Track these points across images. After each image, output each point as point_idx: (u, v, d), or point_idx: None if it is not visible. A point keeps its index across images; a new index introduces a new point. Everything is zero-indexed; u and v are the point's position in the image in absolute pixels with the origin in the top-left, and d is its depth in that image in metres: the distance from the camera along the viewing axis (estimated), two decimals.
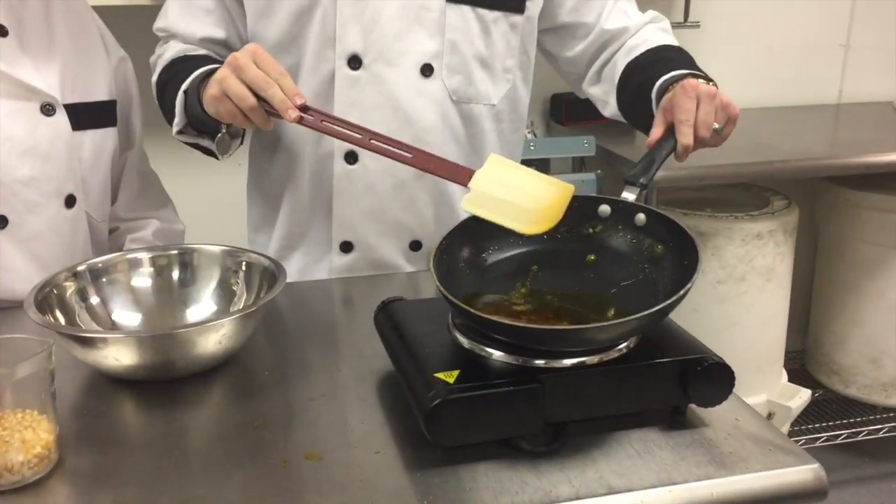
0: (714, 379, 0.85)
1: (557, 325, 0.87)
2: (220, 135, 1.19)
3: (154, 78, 1.30)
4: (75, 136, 1.22)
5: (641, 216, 0.99)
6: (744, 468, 0.80)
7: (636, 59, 1.28)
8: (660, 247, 0.97)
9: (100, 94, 1.26)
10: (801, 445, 2.28)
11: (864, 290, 2.35)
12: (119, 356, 0.91)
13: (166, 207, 1.42)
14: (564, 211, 0.97)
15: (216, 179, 2.06)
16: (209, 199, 2.07)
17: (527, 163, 2.23)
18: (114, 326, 1.04)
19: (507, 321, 0.84)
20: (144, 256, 1.10)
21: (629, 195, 1.03)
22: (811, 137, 2.32)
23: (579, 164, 2.28)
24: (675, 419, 0.88)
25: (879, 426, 2.38)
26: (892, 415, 2.44)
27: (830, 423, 2.42)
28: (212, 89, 1.06)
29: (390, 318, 0.97)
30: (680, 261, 0.94)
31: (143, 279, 1.08)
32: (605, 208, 1.02)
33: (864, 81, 2.64)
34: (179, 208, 1.46)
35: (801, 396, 2.22)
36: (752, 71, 2.54)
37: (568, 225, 1.02)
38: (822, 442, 2.35)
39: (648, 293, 0.93)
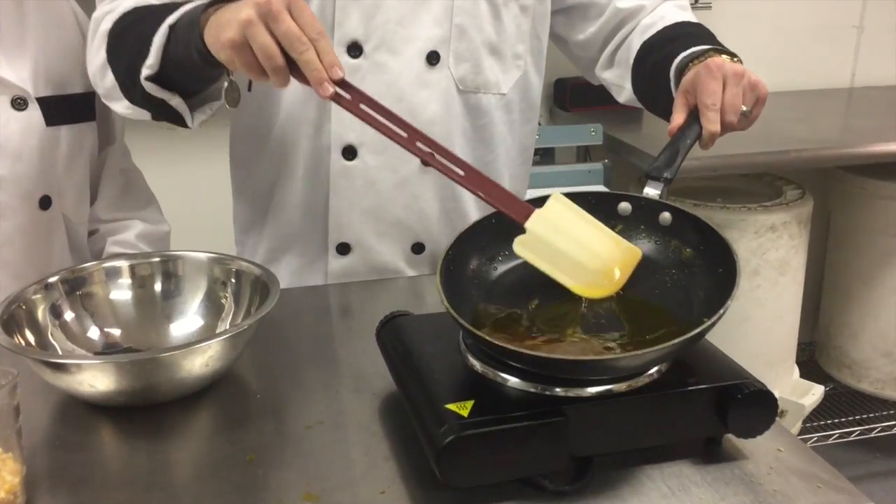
0: (756, 407, 0.77)
1: (580, 355, 0.78)
2: (227, 82, 0.94)
3: (105, 26, 1.04)
4: (49, 132, 1.12)
5: (667, 215, 0.90)
6: None
7: (652, 37, 1.19)
8: (688, 250, 0.88)
9: (76, 86, 1.17)
10: (812, 443, 2.23)
11: (879, 282, 2.27)
12: (95, 382, 0.82)
13: (150, 207, 1.32)
14: (626, 280, 0.84)
15: (203, 172, 1.97)
16: (196, 194, 1.98)
17: None
18: (90, 345, 0.95)
19: (525, 350, 0.75)
20: (124, 265, 1.00)
21: (652, 191, 0.94)
22: (825, 124, 2.23)
23: (584, 154, 2.19)
24: (710, 450, 0.80)
25: (893, 422, 2.31)
26: None
27: (842, 420, 2.35)
28: (230, 32, 0.84)
29: (394, 337, 0.88)
30: (713, 267, 0.85)
31: (122, 291, 0.99)
32: (625, 206, 0.92)
33: (878, 64, 2.55)
34: (164, 206, 1.36)
35: (815, 393, 2.14)
36: (762, 54, 2.45)
37: None
38: (835, 439, 2.28)
39: (679, 304, 0.85)
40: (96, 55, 1.06)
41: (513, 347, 0.75)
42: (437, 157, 0.83)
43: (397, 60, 1.13)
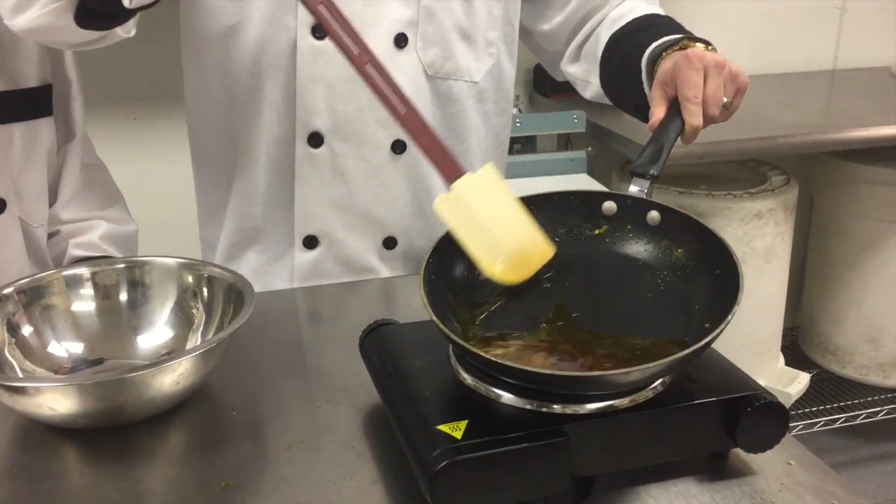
0: (766, 420, 0.73)
1: (576, 367, 0.73)
2: None
3: None
4: (2, 131, 1.05)
5: (654, 214, 0.86)
6: None
7: (621, 29, 1.15)
8: (679, 250, 0.84)
9: (30, 79, 1.09)
10: (798, 431, 2.21)
11: (863, 267, 2.25)
12: (55, 405, 0.76)
13: (116, 205, 1.25)
14: (534, 273, 0.82)
15: (172, 165, 1.89)
16: (165, 189, 1.90)
17: (512, 140, 2.08)
18: (51, 362, 0.88)
19: (514, 365, 0.70)
20: (86, 273, 0.94)
21: (638, 189, 0.89)
22: (809, 108, 2.19)
23: (565, 142, 2.13)
24: (716, 466, 0.76)
25: (878, 408, 2.29)
26: (889, 396, 2.35)
27: (827, 407, 2.33)
28: None
29: (379, 348, 0.83)
30: (709, 268, 0.81)
31: (84, 302, 0.92)
32: (610, 205, 0.88)
33: (860, 46, 2.52)
34: (130, 203, 1.29)
35: (801, 381, 2.12)
36: (744, 35, 2.40)
37: (567, 226, 0.88)
38: (821, 427, 2.26)
39: (675, 309, 0.80)
40: None
41: (507, 363, 0.70)
42: (383, 85, 0.80)
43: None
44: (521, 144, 2.03)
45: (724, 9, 2.34)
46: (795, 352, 2.51)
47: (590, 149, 1.98)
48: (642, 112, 1.10)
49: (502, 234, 0.80)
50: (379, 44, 1.07)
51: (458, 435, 0.68)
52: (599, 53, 1.17)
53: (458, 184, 0.82)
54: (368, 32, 1.07)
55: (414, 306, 0.76)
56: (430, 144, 0.82)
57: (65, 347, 0.90)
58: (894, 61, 2.49)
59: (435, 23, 1.10)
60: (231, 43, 1.08)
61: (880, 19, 2.50)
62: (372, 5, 1.07)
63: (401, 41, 1.09)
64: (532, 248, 0.82)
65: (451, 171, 0.82)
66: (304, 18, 1.05)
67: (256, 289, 0.90)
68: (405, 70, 1.10)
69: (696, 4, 2.24)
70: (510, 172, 1.93)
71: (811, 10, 2.45)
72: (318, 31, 1.05)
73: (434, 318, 0.72)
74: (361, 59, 0.80)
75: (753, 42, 2.42)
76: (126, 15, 0.92)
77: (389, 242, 1.18)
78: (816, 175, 2.37)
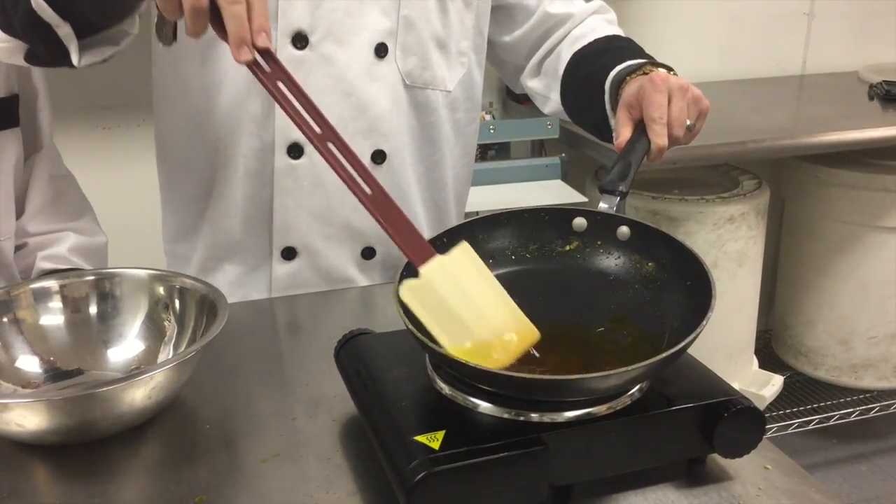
0: (743, 426, 0.73)
1: (558, 374, 0.73)
2: (158, 15, 0.83)
3: None
4: None
5: (624, 229, 0.87)
6: None
7: (583, 48, 1.17)
8: (650, 264, 0.85)
9: None
10: (772, 433, 2.22)
11: (834, 270, 2.27)
12: (23, 422, 0.74)
13: (85, 216, 1.23)
14: (514, 359, 0.72)
15: (141, 174, 1.86)
16: (134, 199, 1.87)
17: (486, 147, 2.09)
18: (19, 377, 0.86)
19: (493, 370, 0.69)
20: (54, 286, 0.92)
21: (607, 206, 0.90)
22: (779, 113, 2.22)
23: (539, 148, 2.14)
24: (694, 471, 0.76)
25: (851, 409, 2.32)
26: (862, 397, 2.38)
27: (801, 409, 2.35)
28: None
29: (355, 358, 0.82)
30: (680, 279, 0.81)
31: (53, 315, 0.91)
32: (580, 221, 0.89)
33: (829, 51, 2.55)
34: (98, 213, 1.27)
35: (774, 384, 2.14)
36: (714, 42, 2.43)
37: (538, 243, 0.89)
38: (794, 429, 2.28)
39: (648, 321, 0.81)
40: None
41: (483, 367, 0.69)
42: (347, 165, 0.74)
43: (345, 52, 1.07)
44: (495, 151, 2.04)
45: (693, 15, 2.36)
46: (769, 354, 2.53)
47: (564, 155, 1.99)
48: (602, 132, 1.12)
49: (474, 322, 0.72)
50: (359, 54, 1.07)
51: (436, 445, 0.67)
52: (561, 71, 1.18)
53: (427, 269, 0.73)
54: (349, 42, 1.07)
55: (392, 315, 0.75)
56: (396, 225, 0.73)
57: (33, 362, 0.88)
58: (862, 66, 2.53)
59: (414, 33, 1.10)
60: (209, 57, 1.07)
61: (848, 25, 2.53)
62: (352, 16, 1.06)
63: (381, 51, 1.08)
64: (513, 339, 0.73)
65: (420, 253, 0.73)
66: (285, 28, 1.04)
67: (233, 300, 0.89)
68: (385, 80, 1.10)
69: (666, 11, 2.25)
70: (485, 179, 1.94)
71: (780, 17, 2.48)
72: (300, 42, 1.05)
73: (410, 327, 0.72)
74: (323, 139, 0.74)
75: (723, 48, 2.44)
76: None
77: (368, 252, 1.18)
78: (787, 179, 2.40)
